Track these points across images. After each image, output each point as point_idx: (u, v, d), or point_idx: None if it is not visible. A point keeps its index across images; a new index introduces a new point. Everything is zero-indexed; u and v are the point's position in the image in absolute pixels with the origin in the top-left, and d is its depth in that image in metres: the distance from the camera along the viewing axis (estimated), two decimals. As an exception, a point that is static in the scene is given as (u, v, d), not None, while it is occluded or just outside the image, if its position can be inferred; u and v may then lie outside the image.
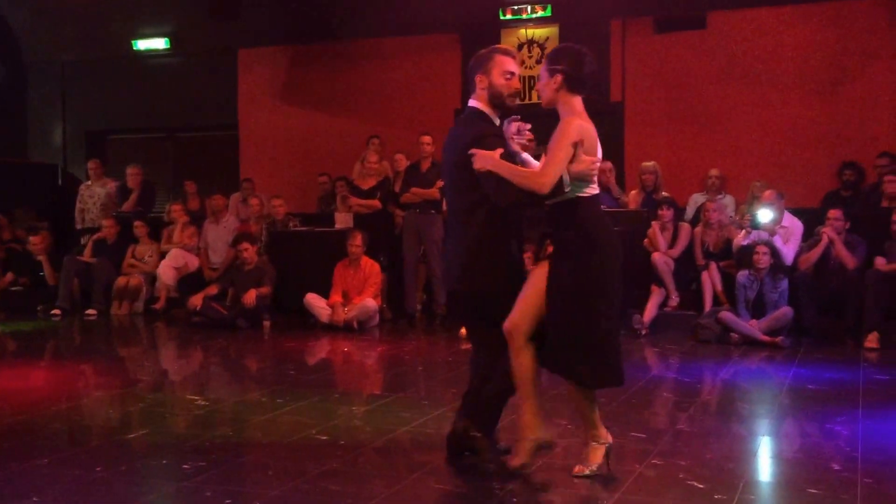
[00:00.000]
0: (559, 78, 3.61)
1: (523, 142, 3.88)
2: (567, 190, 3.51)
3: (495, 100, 3.76)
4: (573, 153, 3.51)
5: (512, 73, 3.76)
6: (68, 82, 12.81)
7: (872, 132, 9.29)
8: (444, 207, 8.91)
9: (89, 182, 11.04)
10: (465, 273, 3.78)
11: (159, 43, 12.09)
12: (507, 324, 3.62)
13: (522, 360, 3.62)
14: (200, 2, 11.23)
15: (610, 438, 3.74)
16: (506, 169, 3.55)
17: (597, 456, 3.70)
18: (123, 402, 5.44)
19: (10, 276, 10.20)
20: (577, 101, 3.65)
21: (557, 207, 3.62)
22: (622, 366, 3.71)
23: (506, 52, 3.81)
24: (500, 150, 3.60)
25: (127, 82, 12.36)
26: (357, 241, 8.38)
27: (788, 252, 7.81)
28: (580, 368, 3.60)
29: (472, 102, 3.84)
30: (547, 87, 3.66)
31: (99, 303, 9.59)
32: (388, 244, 9.09)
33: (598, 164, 3.64)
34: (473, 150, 3.59)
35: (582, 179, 3.54)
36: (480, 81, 3.76)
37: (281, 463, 3.97)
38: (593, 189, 3.65)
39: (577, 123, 3.55)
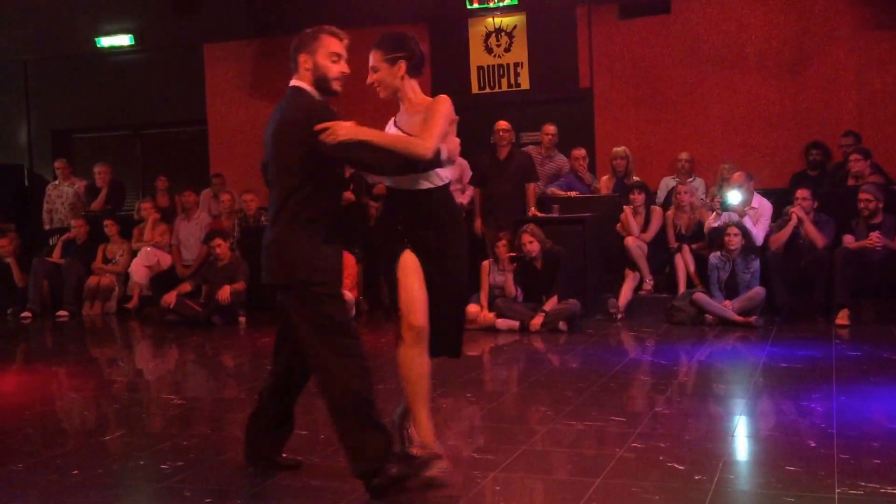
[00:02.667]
0: (403, 65, 3.54)
1: None
2: (444, 160, 3.42)
3: (320, 82, 3.51)
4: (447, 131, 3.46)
5: (339, 56, 3.54)
6: (32, 81, 12.60)
7: (836, 112, 9.40)
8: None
9: (57, 182, 10.90)
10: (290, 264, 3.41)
11: (123, 40, 11.93)
12: (422, 321, 3.44)
13: (426, 359, 3.49)
14: (163, -3, 11.11)
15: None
16: (379, 136, 3.39)
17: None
18: (99, 403, 5.38)
19: (-23, 279, 10.04)
20: (416, 85, 3.62)
21: (428, 194, 3.52)
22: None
23: (333, 33, 3.58)
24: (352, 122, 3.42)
25: (92, 80, 12.18)
26: (330, 234, 8.33)
27: (759, 233, 7.89)
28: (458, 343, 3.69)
29: (294, 82, 3.53)
30: (389, 75, 3.56)
31: (70, 304, 9.47)
32: (363, 236, 9.05)
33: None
34: (327, 124, 3.31)
35: (447, 162, 3.49)
36: (304, 62, 3.51)
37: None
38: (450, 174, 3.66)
39: (450, 102, 3.51)
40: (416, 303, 3.46)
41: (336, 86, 3.55)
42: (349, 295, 8.35)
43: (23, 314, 9.34)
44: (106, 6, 11.91)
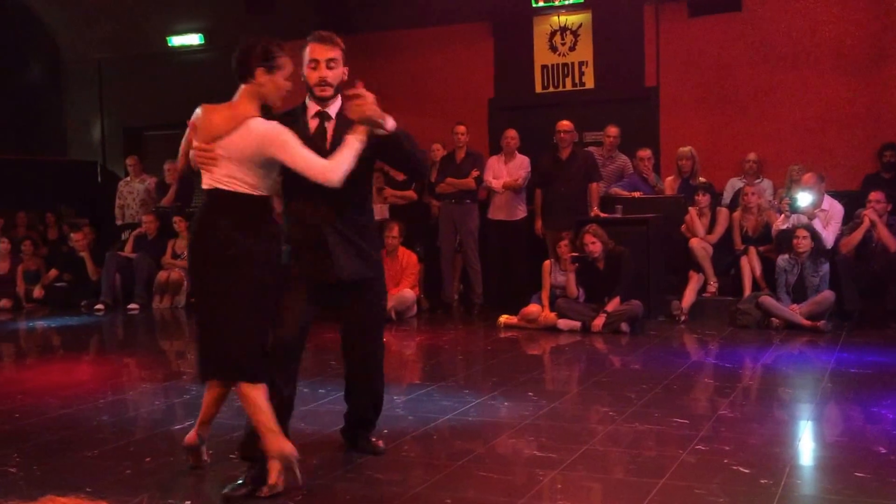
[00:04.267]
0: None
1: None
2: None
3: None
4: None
5: (316, 62, 3.68)
6: (105, 80, 12.97)
7: (913, 112, 9.11)
8: (481, 196, 9.01)
9: (128, 178, 11.19)
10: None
11: (193, 39, 12.20)
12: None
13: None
14: (234, -2, 11.32)
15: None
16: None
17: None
18: (167, 394, 5.52)
19: (53, 272, 10.39)
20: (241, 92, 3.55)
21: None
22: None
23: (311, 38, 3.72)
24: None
25: (162, 79, 12.49)
26: (394, 232, 8.42)
27: (829, 235, 7.71)
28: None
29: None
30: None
31: (141, 297, 9.73)
32: (425, 234, 9.12)
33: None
34: (359, 91, 3.48)
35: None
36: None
37: (325, 452, 4.01)
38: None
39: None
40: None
41: (319, 92, 3.72)
42: (411, 293, 8.42)
43: (96, 306, 9.63)
44: (177, 6, 12.19)
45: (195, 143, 3.55)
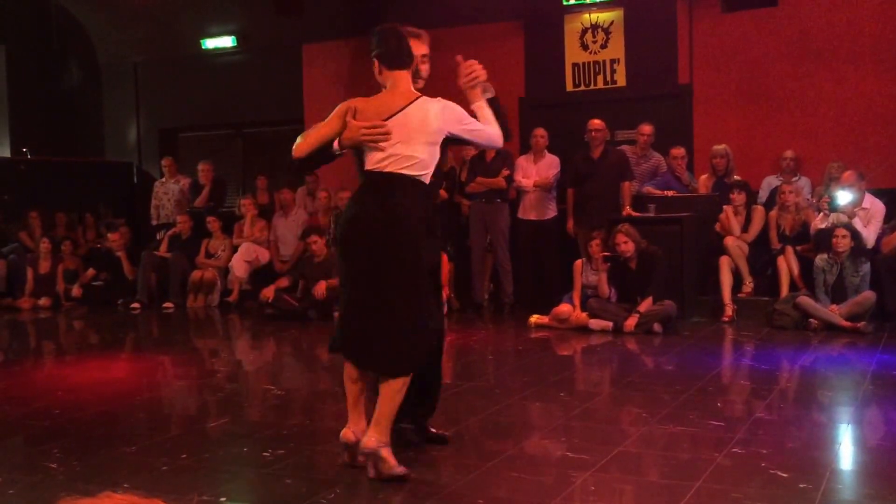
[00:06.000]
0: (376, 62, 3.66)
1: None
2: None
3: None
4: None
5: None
6: (141, 82, 13.13)
7: (956, 108, 8.91)
8: (511, 196, 8.98)
9: (163, 179, 11.32)
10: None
11: (226, 41, 12.31)
12: None
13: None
14: (266, 0, 11.39)
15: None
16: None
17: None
18: (202, 391, 5.57)
19: (91, 271, 10.54)
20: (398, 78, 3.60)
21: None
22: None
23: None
24: None
25: (197, 80, 12.61)
26: (424, 232, 8.41)
27: (870, 234, 7.57)
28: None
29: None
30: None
31: (175, 296, 9.84)
32: (455, 234, 9.10)
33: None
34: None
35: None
36: None
37: (357, 451, 4.00)
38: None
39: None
40: None
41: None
42: (441, 293, 8.41)
43: (132, 305, 9.75)
44: (210, 9, 12.29)
45: (358, 122, 3.53)
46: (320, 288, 8.53)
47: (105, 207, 11.82)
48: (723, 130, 9.55)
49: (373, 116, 3.51)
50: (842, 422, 4.49)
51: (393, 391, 3.46)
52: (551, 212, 8.86)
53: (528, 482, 3.53)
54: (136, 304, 9.74)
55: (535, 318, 7.73)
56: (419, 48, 3.74)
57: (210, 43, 12.39)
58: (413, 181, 3.46)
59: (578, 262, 7.79)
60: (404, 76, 3.59)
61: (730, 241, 8.01)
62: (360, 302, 3.52)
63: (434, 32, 13.28)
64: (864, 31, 9.27)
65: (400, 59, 3.59)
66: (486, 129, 3.62)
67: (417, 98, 3.52)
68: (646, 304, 7.24)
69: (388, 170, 3.47)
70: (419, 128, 3.45)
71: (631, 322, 7.17)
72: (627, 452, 3.88)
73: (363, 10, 11.23)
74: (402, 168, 3.45)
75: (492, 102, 3.74)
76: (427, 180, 3.52)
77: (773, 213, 8.16)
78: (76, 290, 10.39)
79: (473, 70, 3.70)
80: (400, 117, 3.47)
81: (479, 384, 5.54)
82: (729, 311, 7.73)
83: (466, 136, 3.58)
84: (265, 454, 3.94)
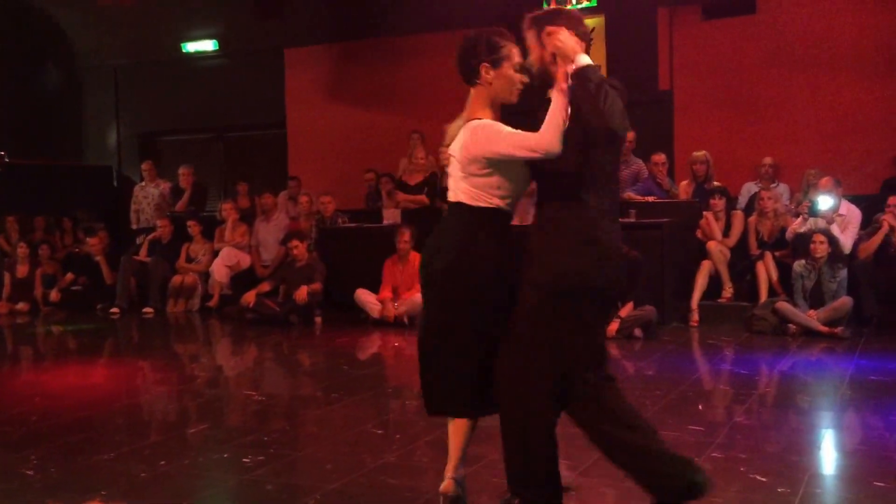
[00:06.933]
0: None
1: None
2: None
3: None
4: None
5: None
6: (121, 86, 13.07)
7: (932, 116, 9.04)
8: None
9: (143, 183, 11.25)
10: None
11: (207, 45, 12.27)
12: None
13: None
14: (246, 3, 11.37)
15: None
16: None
17: None
18: (182, 397, 5.53)
19: (69, 276, 10.45)
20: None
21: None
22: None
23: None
24: None
25: (177, 84, 12.57)
26: (405, 237, 8.41)
27: (847, 240, 7.64)
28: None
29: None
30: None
31: (155, 301, 9.77)
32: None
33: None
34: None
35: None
36: None
37: (338, 457, 4.00)
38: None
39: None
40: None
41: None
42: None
43: (111, 310, 9.67)
44: (191, 12, 12.26)
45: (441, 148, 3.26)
46: (301, 293, 8.51)
47: (84, 212, 11.72)
48: (703, 137, 9.63)
49: (447, 140, 3.19)
50: (820, 426, 4.53)
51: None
52: (533, 216, 8.86)
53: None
54: (115, 309, 9.67)
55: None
56: (516, 53, 3.17)
57: (191, 47, 12.36)
58: (465, 208, 3.12)
59: (560, 267, 7.80)
60: (472, 93, 3.15)
61: (713, 246, 8.07)
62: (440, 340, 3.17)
63: (417, 37, 13.31)
64: (842, 39, 9.39)
65: (461, 72, 3.17)
66: (526, 139, 2.98)
67: (469, 122, 3.11)
68: (627, 310, 7.27)
69: (452, 199, 3.16)
70: (462, 155, 3.09)
71: (612, 327, 7.19)
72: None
73: (345, 14, 11.24)
74: (455, 196, 3.13)
75: (582, 73, 2.90)
76: (488, 205, 3.14)
77: (752, 218, 8.23)
78: (54, 295, 10.29)
79: (554, 32, 2.98)
80: (452, 146, 3.15)
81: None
82: (695, 316, 7.79)
83: (503, 152, 3.01)
84: (245, 460, 3.92)
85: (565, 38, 2.95)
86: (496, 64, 3.11)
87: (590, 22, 10.12)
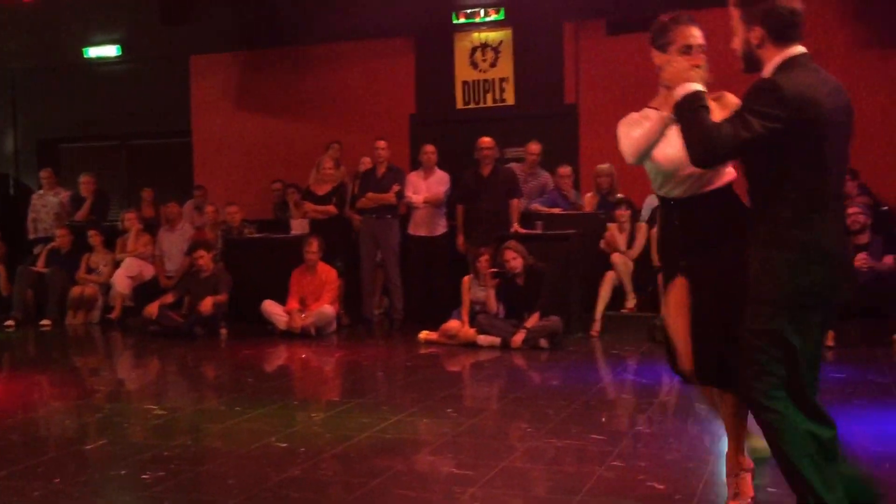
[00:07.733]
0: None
1: None
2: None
3: None
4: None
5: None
6: (19, 90, 12.56)
7: None
8: (402, 211, 9.03)
9: (42, 191, 10.86)
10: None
11: (111, 50, 11.92)
12: (685, 366, 3.37)
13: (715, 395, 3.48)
14: (151, 8, 11.11)
15: (751, 464, 3.34)
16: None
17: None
18: (80, 412, 5.36)
19: (-40, 287, 9.98)
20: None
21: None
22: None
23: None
24: None
25: (79, 90, 12.16)
26: (313, 248, 8.35)
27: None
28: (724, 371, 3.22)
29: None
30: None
31: (54, 313, 9.43)
32: (345, 250, 9.07)
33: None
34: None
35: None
36: None
37: (241, 471, 3.94)
38: None
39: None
40: (678, 347, 3.33)
41: None
42: (331, 308, 8.36)
43: (6, 322, 9.29)
44: (94, 17, 11.90)
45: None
46: (206, 304, 8.34)
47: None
48: (607, 150, 9.76)
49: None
50: (719, 434, 4.69)
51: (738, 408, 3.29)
52: (441, 228, 8.95)
53: (414, 499, 3.56)
54: (10, 322, 9.29)
55: (424, 335, 7.77)
56: (700, 38, 3.15)
57: (93, 51, 11.98)
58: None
59: (466, 278, 7.89)
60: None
61: (617, 258, 8.28)
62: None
63: (327, 47, 13.25)
64: (737, 56, 9.75)
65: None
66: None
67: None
68: (533, 320, 7.39)
69: None
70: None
71: (518, 338, 7.31)
72: (513, 467, 3.95)
73: (253, 22, 11.10)
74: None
75: (678, 105, 2.94)
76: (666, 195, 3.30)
77: (654, 231, 8.48)
78: (-56, 307, 9.81)
79: (668, 61, 3.09)
80: None
81: (368, 400, 5.53)
82: (597, 326, 7.99)
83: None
84: (144, 476, 3.83)
85: (676, 68, 3.01)
86: (663, 49, 3.14)
87: (497, 35, 10.40)
